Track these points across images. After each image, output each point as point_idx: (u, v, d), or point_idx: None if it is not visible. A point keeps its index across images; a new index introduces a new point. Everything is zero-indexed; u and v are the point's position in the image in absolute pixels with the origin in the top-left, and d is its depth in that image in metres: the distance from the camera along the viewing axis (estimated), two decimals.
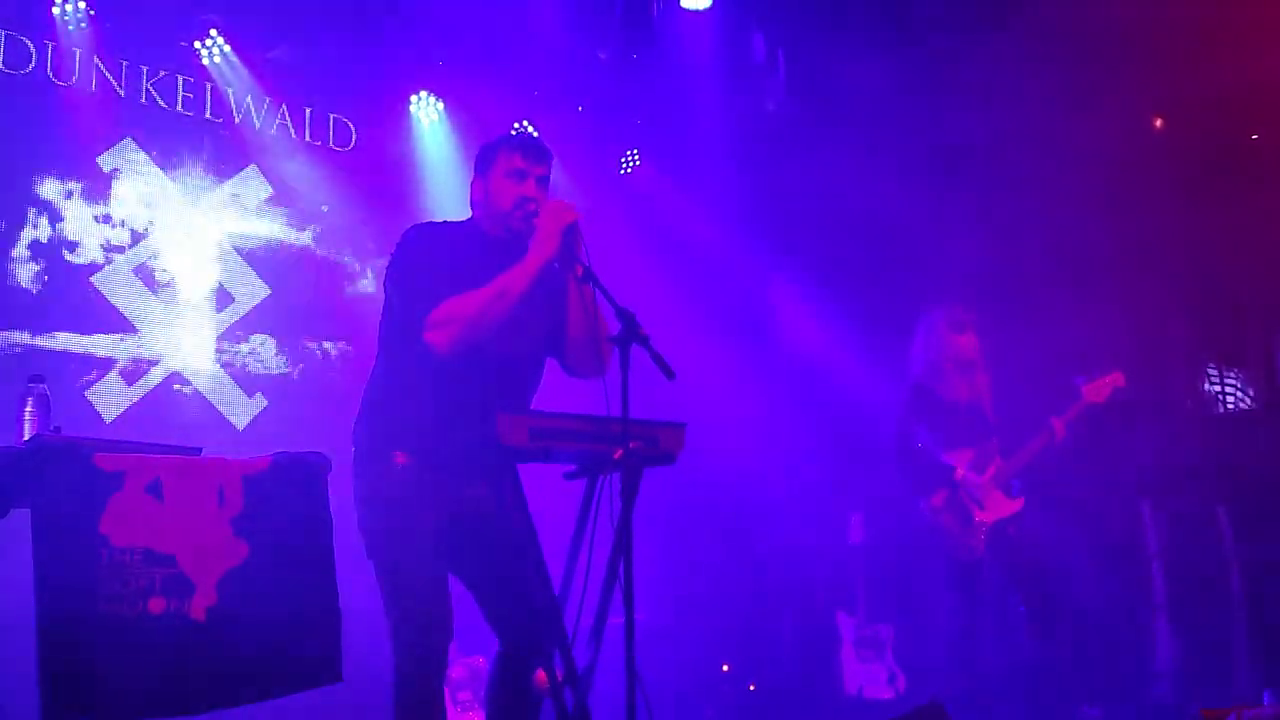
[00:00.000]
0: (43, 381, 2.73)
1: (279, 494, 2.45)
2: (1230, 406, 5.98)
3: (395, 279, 3.01)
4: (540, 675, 2.95)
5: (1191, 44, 5.32)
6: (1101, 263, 5.66)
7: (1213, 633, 5.28)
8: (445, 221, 3.20)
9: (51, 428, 2.56)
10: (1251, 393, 5.88)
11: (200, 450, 2.60)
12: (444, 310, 2.83)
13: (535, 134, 3.07)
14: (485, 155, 3.14)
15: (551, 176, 3.15)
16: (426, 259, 2.96)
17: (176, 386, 5.22)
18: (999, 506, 4.68)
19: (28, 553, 2.25)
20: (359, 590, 2.82)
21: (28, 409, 2.66)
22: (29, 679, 2.19)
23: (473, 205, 3.17)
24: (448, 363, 2.86)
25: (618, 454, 2.78)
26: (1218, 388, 6.08)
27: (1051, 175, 5.70)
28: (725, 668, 5.97)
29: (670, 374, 2.79)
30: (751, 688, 5.95)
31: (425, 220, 3.27)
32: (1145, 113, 6.05)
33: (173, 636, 2.26)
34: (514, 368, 3.09)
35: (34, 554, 2.23)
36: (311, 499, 2.51)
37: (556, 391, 3.24)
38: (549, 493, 3.20)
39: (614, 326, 2.83)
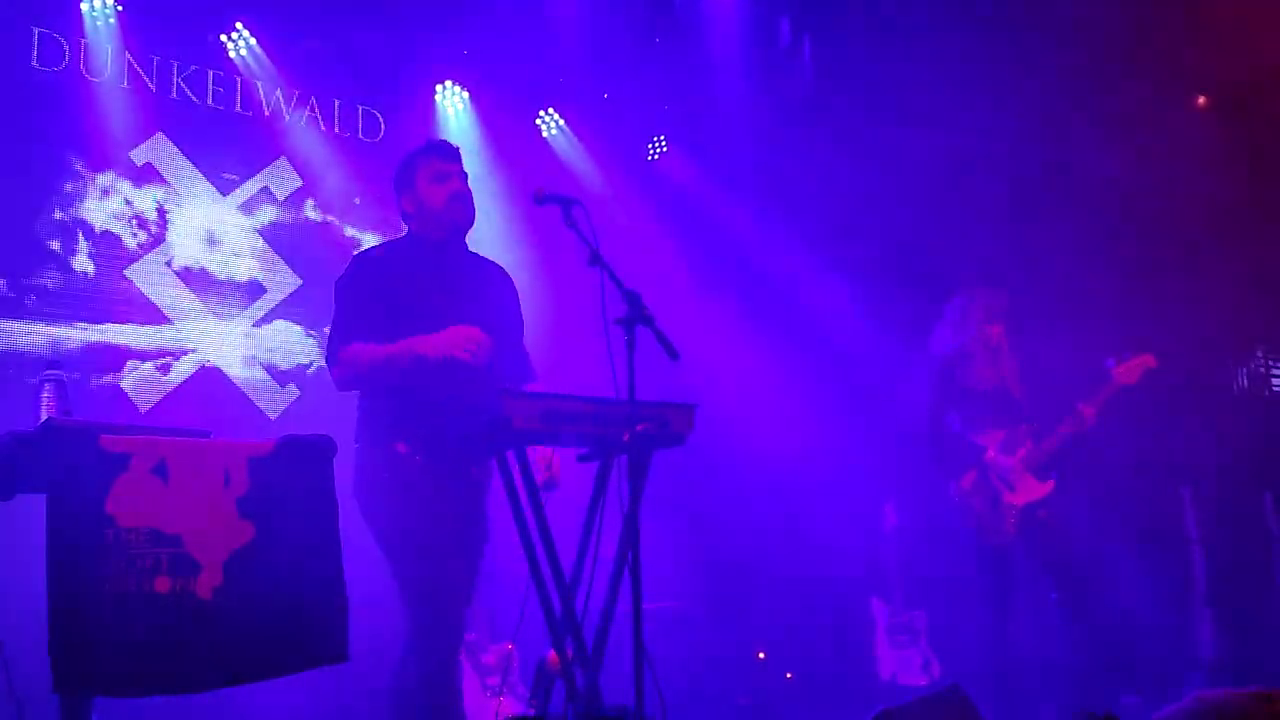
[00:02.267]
0: (59, 369, 2.77)
1: (284, 476, 2.47)
2: (1275, 390, 5.83)
3: (337, 305, 3.24)
4: (552, 655, 2.96)
5: (1237, 20, 5.19)
6: (1144, 244, 5.55)
7: (1255, 619, 5.17)
8: (384, 244, 3.50)
9: (63, 412, 2.60)
10: None
11: (209, 434, 2.63)
12: (347, 353, 3.10)
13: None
14: (404, 172, 3.36)
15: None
16: (359, 289, 3.21)
17: (210, 377, 5.30)
18: (1029, 490, 4.60)
19: (41, 534, 2.30)
20: (365, 570, 2.85)
21: (44, 395, 2.71)
22: (43, 655, 2.23)
23: (406, 219, 3.38)
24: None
25: (626, 436, 2.78)
26: (1263, 370, 5.94)
27: (1087, 155, 5.59)
28: (761, 655, 5.94)
29: (674, 355, 2.79)
30: (789, 676, 5.93)
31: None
32: (1189, 91, 5.92)
33: (179, 615, 2.29)
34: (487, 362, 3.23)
35: (46, 533, 2.28)
36: (317, 481, 2.52)
37: (567, 373, 3.26)
38: (569, 472, 3.22)
39: (620, 308, 2.84)
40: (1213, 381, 5.78)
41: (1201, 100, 6.06)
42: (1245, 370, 5.89)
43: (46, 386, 2.73)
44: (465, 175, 3.36)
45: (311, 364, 5.60)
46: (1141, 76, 5.45)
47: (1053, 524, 4.62)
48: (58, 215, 4.97)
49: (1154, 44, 5.41)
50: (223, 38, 5.41)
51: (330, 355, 3.17)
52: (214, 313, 5.37)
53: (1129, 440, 5.21)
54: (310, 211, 5.74)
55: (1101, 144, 5.45)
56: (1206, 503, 5.50)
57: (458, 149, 3.40)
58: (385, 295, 3.16)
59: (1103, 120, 5.42)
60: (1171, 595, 5.43)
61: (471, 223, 3.36)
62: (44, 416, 2.66)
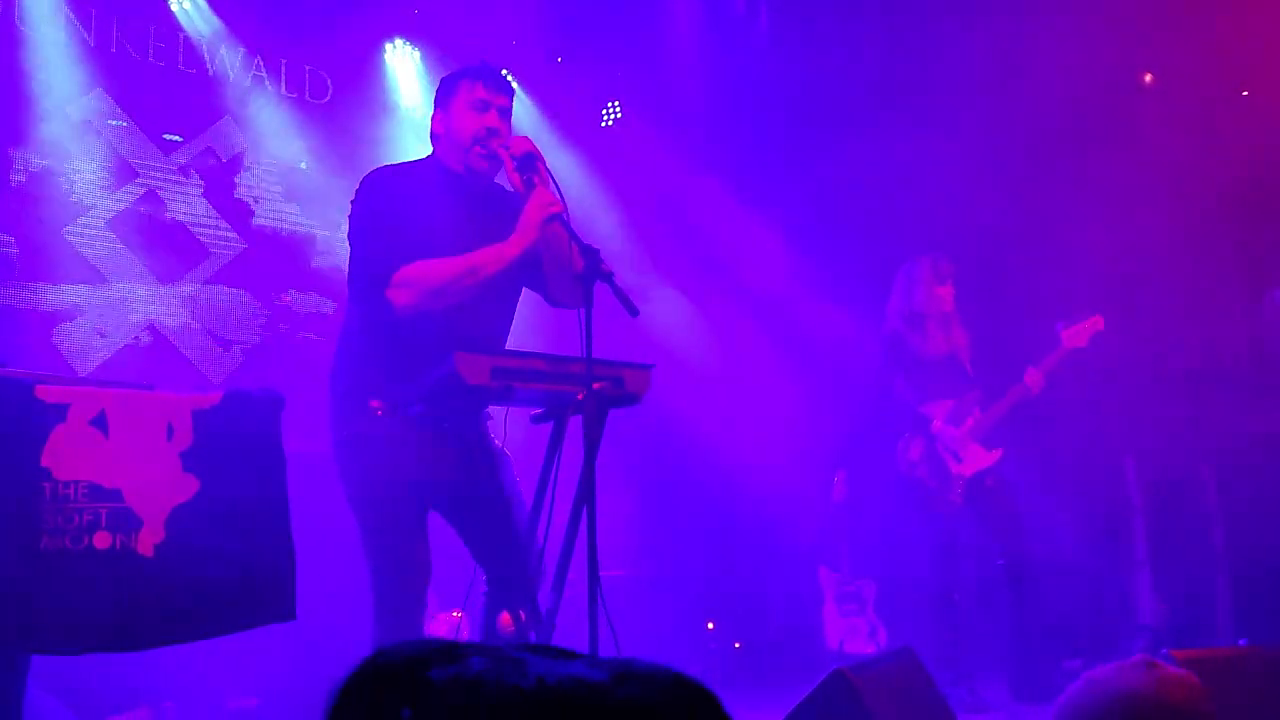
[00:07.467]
0: None
1: (230, 429, 2.40)
2: (1215, 363, 5.93)
3: (358, 230, 2.99)
4: (505, 618, 2.93)
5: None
6: (1089, 217, 5.60)
7: (1195, 587, 5.27)
8: (404, 163, 3.18)
9: None
10: (1237, 349, 5.84)
11: (152, 387, 2.55)
12: (410, 273, 2.82)
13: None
14: (446, 87, 3.11)
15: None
16: (387, 208, 2.94)
17: (150, 340, 5.17)
18: (976, 459, 4.64)
19: None
20: (314, 528, 2.79)
21: None
22: None
23: (433, 139, 3.13)
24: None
25: (580, 395, 2.74)
26: (1203, 344, 6.03)
27: (1037, 126, 5.63)
28: (710, 625, 5.96)
29: (634, 311, 2.75)
30: (737, 645, 5.95)
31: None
32: (1136, 67, 5.98)
33: (120, 572, 2.21)
34: (485, 309, 3.05)
35: None
36: (264, 435, 2.45)
37: (535, 332, 3.21)
38: (522, 435, 3.16)
39: (578, 265, 2.80)
40: (1154, 354, 5.87)
41: (1148, 77, 6.12)
42: (1185, 343, 5.99)
43: None
44: (507, 113, 3.08)
45: (258, 327, 5.48)
46: (1096, 47, 5.49)
47: (1000, 492, 4.67)
48: None
49: (1101, 16, 5.46)
50: None
51: (381, 279, 2.82)
52: (155, 275, 5.22)
53: (1074, 410, 5.28)
54: (255, 173, 5.60)
55: (1055, 113, 5.49)
56: (1148, 473, 5.59)
57: (508, 84, 3.12)
58: (412, 219, 2.92)
59: (1057, 89, 5.46)
60: (1114, 562, 5.53)
61: (495, 170, 3.06)
62: None
